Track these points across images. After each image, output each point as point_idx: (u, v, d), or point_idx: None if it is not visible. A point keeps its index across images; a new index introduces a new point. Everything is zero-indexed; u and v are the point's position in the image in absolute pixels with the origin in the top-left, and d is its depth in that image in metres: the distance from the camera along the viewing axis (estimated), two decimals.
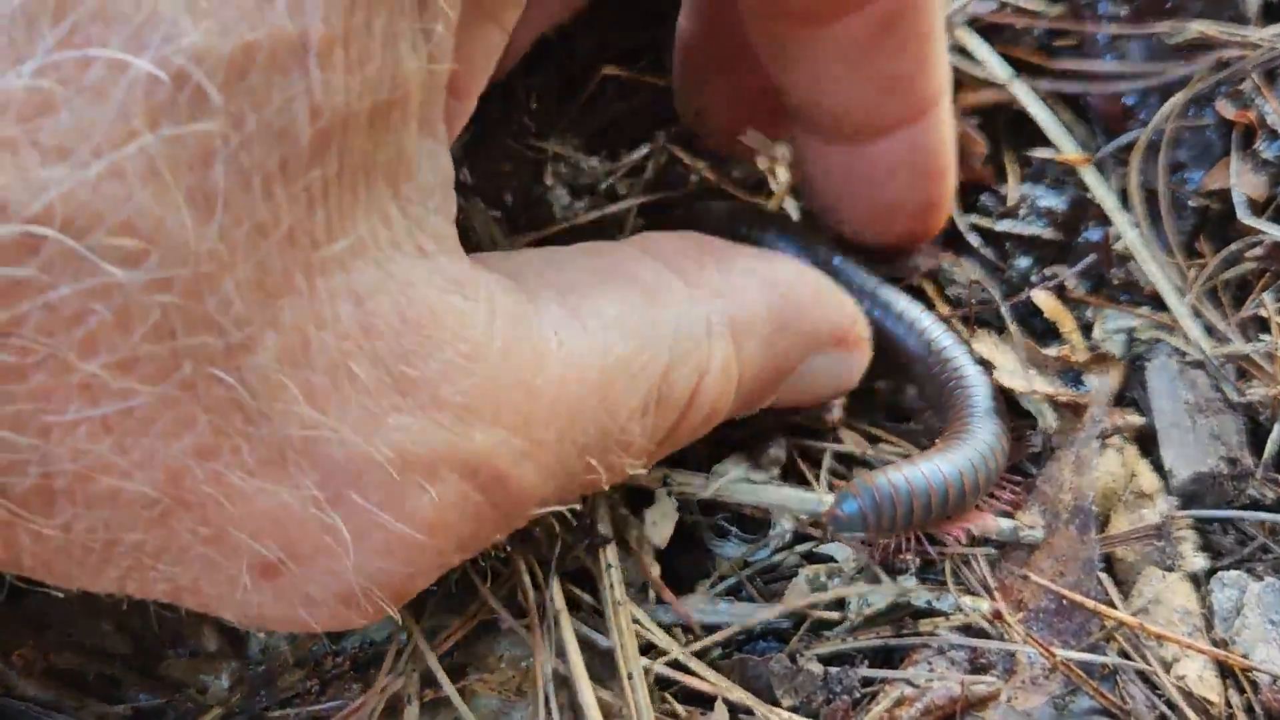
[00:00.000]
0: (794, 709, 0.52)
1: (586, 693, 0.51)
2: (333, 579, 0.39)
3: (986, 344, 0.63)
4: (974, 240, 0.69)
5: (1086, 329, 0.66)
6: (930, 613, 0.56)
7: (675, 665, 0.54)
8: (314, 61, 0.33)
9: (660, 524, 0.58)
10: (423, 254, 0.39)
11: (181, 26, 0.31)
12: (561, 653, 0.52)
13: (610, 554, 0.55)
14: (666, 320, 0.48)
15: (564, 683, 0.52)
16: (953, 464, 0.56)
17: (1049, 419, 0.62)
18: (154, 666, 0.55)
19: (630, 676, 0.52)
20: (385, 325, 0.37)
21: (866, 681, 0.54)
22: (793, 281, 0.55)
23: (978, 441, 0.57)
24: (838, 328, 0.56)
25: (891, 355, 0.62)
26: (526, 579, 0.54)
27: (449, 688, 0.52)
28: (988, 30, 0.74)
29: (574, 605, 0.55)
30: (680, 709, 0.53)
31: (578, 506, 0.49)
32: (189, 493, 0.35)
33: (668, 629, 0.56)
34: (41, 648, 0.54)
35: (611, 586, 0.55)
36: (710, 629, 0.56)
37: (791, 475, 0.61)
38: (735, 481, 0.59)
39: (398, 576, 0.40)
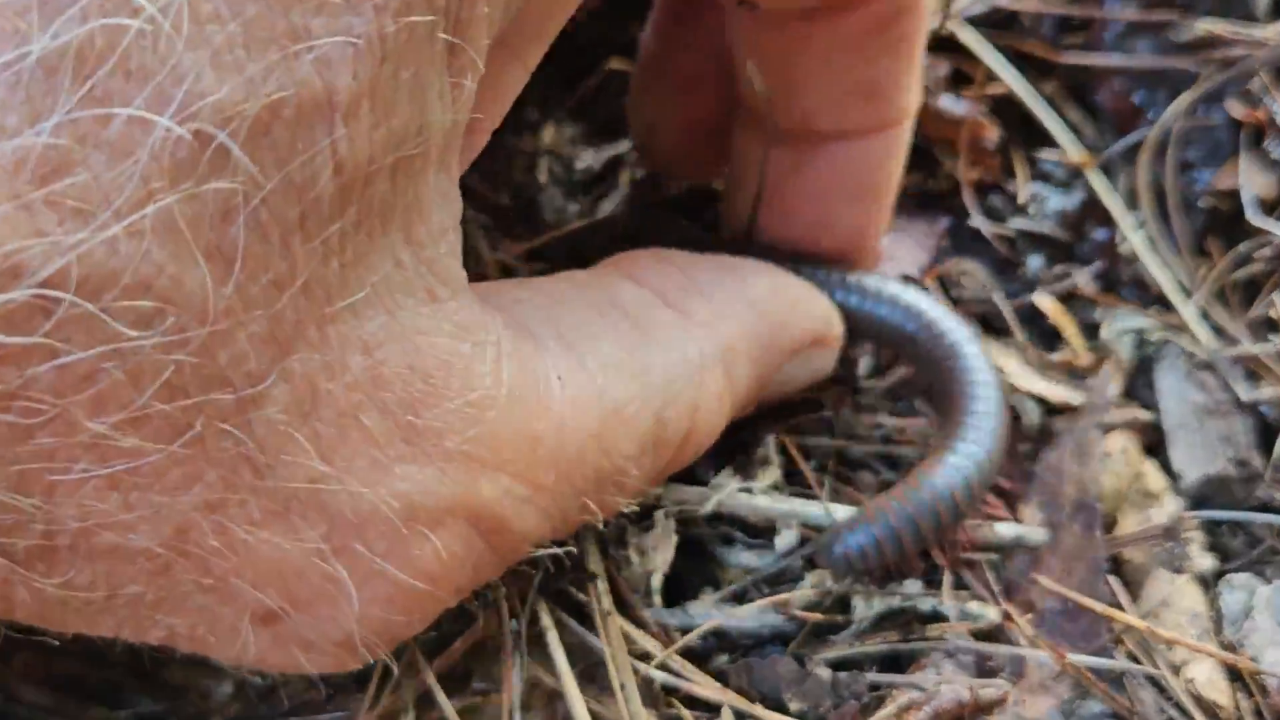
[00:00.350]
0: (801, 714, 0.53)
1: (578, 704, 0.51)
2: (333, 627, 0.39)
3: (990, 350, 0.63)
4: (987, 231, 0.69)
5: (1094, 329, 0.66)
6: (936, 617, 0.56)
7: (665, 669, 0.54)
8: (340, 117, 0.33)
9: (661, 549, 0.58)
10: (433, 299, 0.39)
11: (206, 83, 0.30)
12: (553, 670, 0.52)
13: (596, 564, 0.55)
14: (660, 359, 0.48)
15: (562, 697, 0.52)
16: (945, 483, 0.55)
17: (1033, 416, 0.62)
18: (156, 672, 0.55)
19: (623, 687, 0.52)
20: (394, 375, 0.37)
21: (874, 686, 0.54)
22: (773, 296, 0.55)
23: (970, 447, 0.56)
24: (815, 334, 0.57)
25: (884, 340, 0.62)
26: (517, 602, 0.54)
27: (448, 709, 0.52)
28: (997, 23, 0.74)
29: (576, 613, 0.55)
30: (687, 715, 0.53)
31: (571, 549, 0.49)
32: (193, 546, 0.35)
33: (667, 633, 0.56)
34: (42, 653, 0.54)
35: (599, 598, 0.55)
36: (713, 634, 0.56)
37: (795, 475, 0.62)
38: (733, 495, 0.59)
39: (396, 624, 0.40)
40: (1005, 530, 0.58)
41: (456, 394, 0.39)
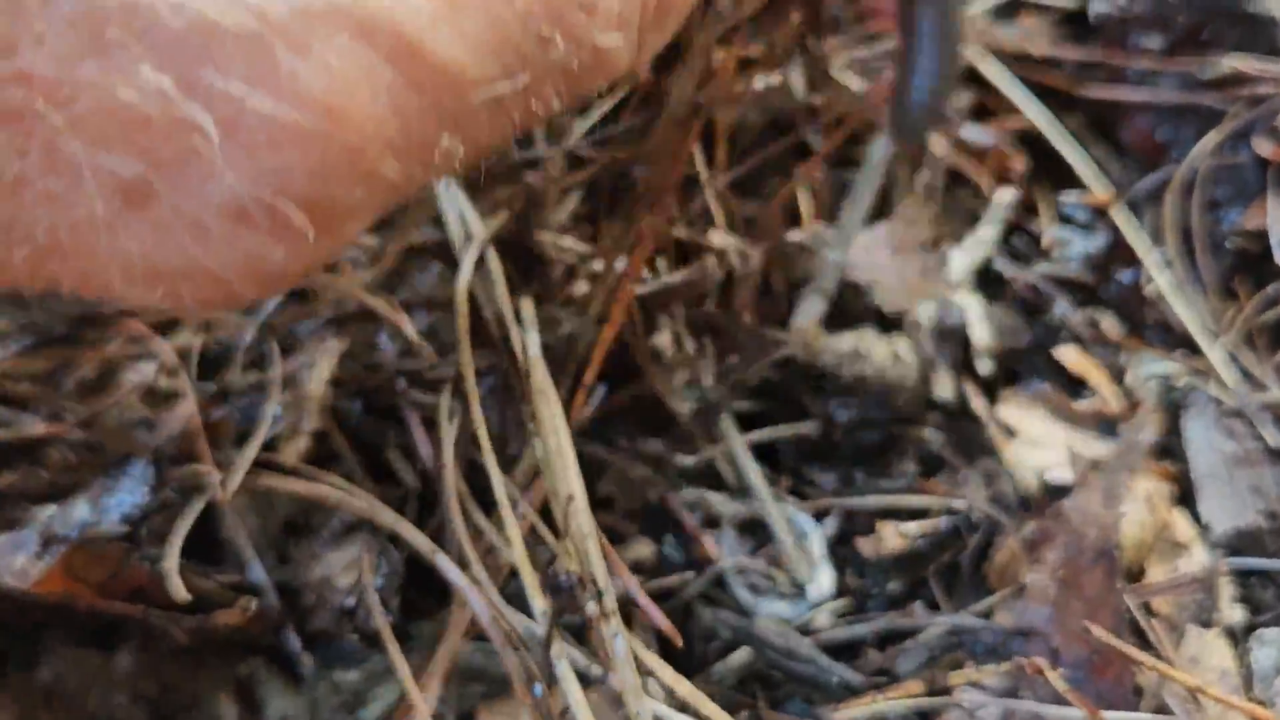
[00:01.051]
0: None
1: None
2: (211, 188, 0.32)
3: (1015, 404, 0.63)
4: (1010, 276, 0.69)
5: (1120, 374, 0.66)
6: (960, 663, 0.56)
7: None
8: None
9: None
10: None
11: None
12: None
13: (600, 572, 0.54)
14: None
15: None
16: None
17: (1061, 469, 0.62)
18: None
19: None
20: None
21: None
22: None
23: None
24: None
25: None
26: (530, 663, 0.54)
27: None
28: (1018, 57, 0.73)
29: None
30: None
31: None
32: None
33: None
34: None
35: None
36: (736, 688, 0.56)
37: None
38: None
39: (299, 177, 0.33)
40: None
41: None
